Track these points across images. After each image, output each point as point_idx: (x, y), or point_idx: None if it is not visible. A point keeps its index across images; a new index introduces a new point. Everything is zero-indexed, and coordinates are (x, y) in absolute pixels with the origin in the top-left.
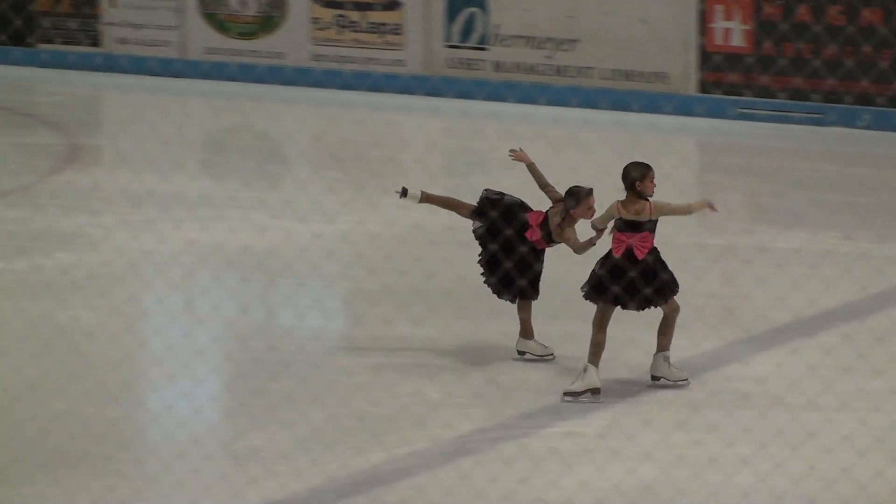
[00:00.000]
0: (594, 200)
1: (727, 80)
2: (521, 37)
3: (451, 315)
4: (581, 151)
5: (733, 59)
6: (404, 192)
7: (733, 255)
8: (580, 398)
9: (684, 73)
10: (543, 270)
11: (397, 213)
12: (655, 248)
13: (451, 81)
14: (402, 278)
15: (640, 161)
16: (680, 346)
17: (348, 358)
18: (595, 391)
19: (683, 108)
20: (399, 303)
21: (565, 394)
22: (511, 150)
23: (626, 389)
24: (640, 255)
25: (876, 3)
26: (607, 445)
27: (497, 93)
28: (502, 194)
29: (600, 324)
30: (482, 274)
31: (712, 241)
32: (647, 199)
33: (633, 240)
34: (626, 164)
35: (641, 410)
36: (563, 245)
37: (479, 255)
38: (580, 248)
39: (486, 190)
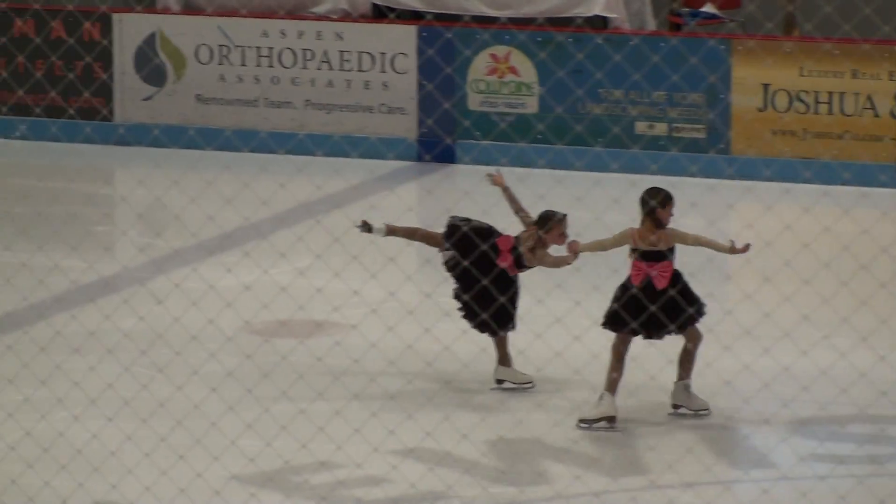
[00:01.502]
0: (567, 226)
1: None
2: None
3: None
4: None
5: None
6: (367, 227)
7: None
8: (594, 426)
9: None
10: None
11: None
12: (678, 273)
13: None
14: None
15: (661, 188)
16: None
17: None
18: (611, 419)
19: None
20: None
21: (580, 421)
22: (488, 174)
23: None
24: (660, 286)
25: (28, 14)
26: None
27: None
28: (469, 220)
29: (618, 352)
30: (459, 309)
31: None
32: (664, 228)
33: (654, 269)
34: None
35: None
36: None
37: (454, 289)
38: (555, 264)
39: (451, 217)
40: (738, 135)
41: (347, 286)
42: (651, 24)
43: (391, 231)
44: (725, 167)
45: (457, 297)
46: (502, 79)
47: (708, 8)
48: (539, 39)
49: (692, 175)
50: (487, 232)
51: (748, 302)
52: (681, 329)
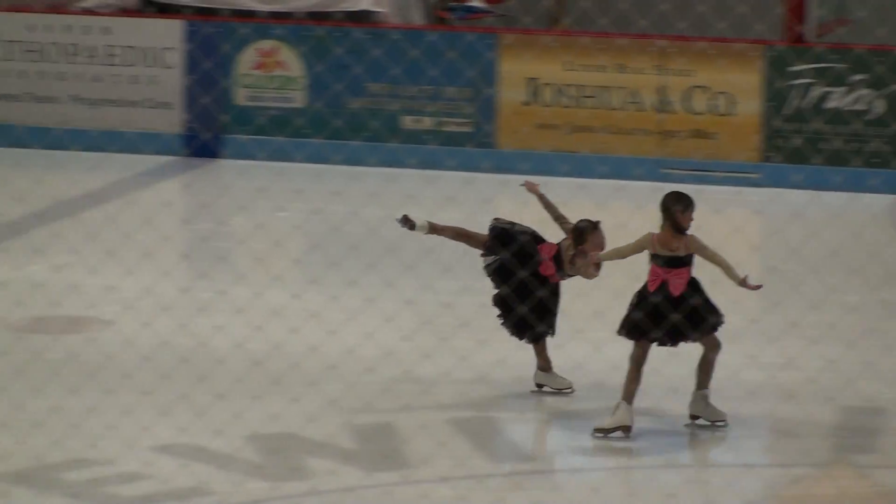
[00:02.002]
0: (602, 233)
1: None
2: None
3: None
4: None
5: None
6: (409, 223)
7: None
8: (610, 435)
9: None
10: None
11: None
12: (695, 281)
13: None
14: None
15: (683, 192)
16: None
17: None
18: (626, 429)
19: None
20: None
21: (595, 430)
22: (521, 184)
23: None
24: (675, 292)
25: None
26: None
27: None
28: (513, 224)
29: (637, 360)
30: (498, 316)
31: None
32: (684, 234)
33: (670, 275)
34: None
35: None
36: None
37: (494, 295)
38: (590, 276)
39: (495, 219)
40: (502, 129)
41: (104, 282)
42: (418, 19)
43: (434, 229)
44: (488, 161)
45: (496, 303)
46: (269, 73)
47: (475, 2)
48: (306, 34)
49: (453, 168)
50: (532, 238)
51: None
52: (697, 337)
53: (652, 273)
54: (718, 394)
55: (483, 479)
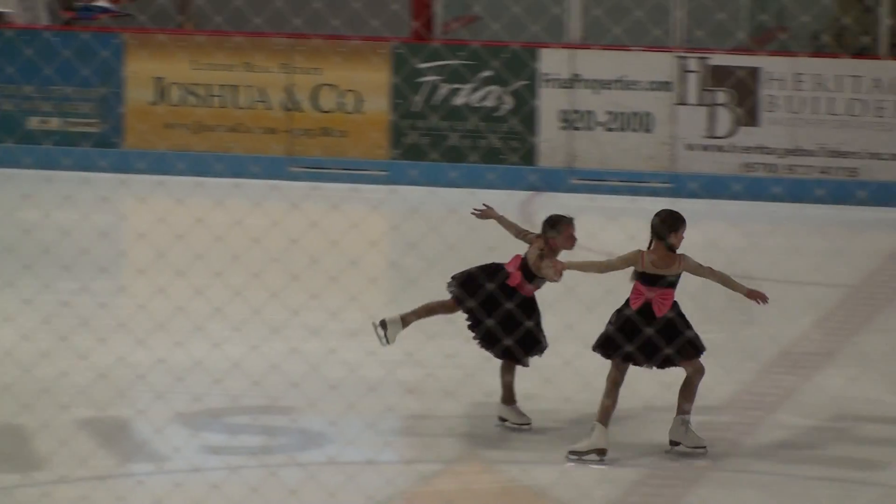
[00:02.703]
0: (574, 229)
1: None
2: None
3: None
4: None
5: None
6: (383, 325)
7: None
8: (584, 458)
9: None
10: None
11: None
12: (676, 304)
13: None
14: None
15: (674, 210)
16: None
17: None
18: (601, 451)
19: None
20: None
21: (570, 453)
22: (474, 210)
23: None
24: (659, 313)
25: None
26: None
27: None
28: (467, 271)
29: (613, 381)
30: (483, 347)
31: None
32: (675, 252)
33: (654, 294)
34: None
35: None
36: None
37: (474, 336)
38: (548, 276)
39: (452, 278)
40: (127, 128)
41: None
42: (44, 19)
43: (406, 322)
44: (106, 160)
45: (481, 344)
46: None
47: (99, 2)
48: None
49: (72, 168)
50: (491, 267)
51: (161, 295)
52: (675, 361)
53: (635, 290)
54: (339, 389)
55: (105, 478)
